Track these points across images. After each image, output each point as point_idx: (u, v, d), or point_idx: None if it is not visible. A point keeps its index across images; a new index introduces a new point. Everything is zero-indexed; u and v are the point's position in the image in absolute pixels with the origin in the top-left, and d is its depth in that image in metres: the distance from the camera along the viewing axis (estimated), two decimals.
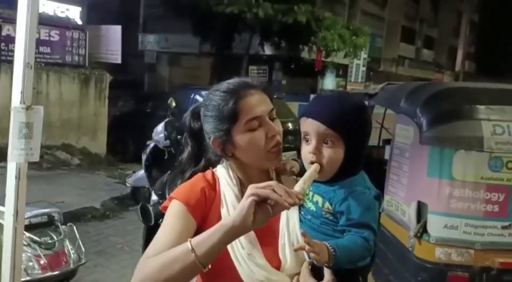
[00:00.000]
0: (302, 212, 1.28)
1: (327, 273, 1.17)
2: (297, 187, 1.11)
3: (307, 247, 1.08)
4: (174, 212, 1.22)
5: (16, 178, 1.64)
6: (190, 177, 1.36)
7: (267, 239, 1.23)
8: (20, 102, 1.64)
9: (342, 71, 19.10)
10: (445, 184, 2.66)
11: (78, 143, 8.72)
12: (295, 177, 1.35)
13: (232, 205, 1.25)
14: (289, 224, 1.26)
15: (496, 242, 2.62)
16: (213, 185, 1.30)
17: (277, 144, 1.26)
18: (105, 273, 4.48)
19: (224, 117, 1.25)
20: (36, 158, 1.70)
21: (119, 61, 9.06)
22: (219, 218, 1.22)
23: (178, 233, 1.17)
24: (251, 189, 1.05)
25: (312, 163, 1.24)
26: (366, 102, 4.68)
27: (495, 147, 2.63)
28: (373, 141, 4.33)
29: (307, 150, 1.24)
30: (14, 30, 7.85)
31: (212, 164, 1.39)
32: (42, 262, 2.69)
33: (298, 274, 1.20)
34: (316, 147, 1.23)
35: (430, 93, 2.95)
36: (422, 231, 2.73)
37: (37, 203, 5.92)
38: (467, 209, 2.64)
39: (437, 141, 2.74)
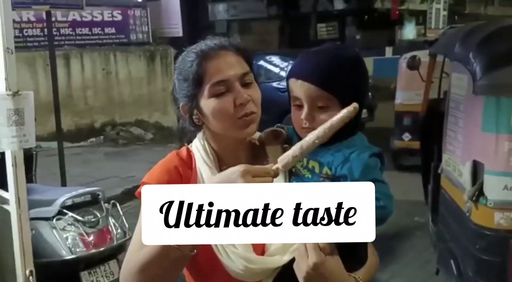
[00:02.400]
0: (294, 181, 1.14)
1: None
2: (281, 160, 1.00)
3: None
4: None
5: (12, 166, 1.64)
6: None
7: None
8: (6, 89, 1.61)
9: (422, 18, 17.73)
10: (503, 139, 2.30)
11: (150, 118, 9.02)
12: (280, 146, 1.20)
13: None
14: None
15: None
16: (189, 162, 1.18)
17: (248, 112, 1.11)
18: None
19: (189, 81, 1.12)
20: (32, 143, 1.69)
21: (180, 34, 9.11)
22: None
23: None
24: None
25: (306, 130, 1.08)
26: (427, 51, 4.23)
27: None
28: (432, 92, 3.91)
29: (299, 116, 1.10)
30: (80, 15, 8.20)
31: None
32: (86, 240, 2.77)
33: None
34: (309, 113, 1.08)
35: (485, 34, 2.53)
36: (479, 193, 2.40)
37: (109, 179, 6.29)
38: None
39: (493, 89, 2.36)
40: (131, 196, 5.63)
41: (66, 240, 2.74)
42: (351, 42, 16.16)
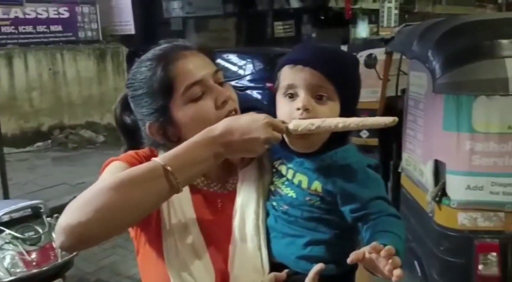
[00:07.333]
0: (274, 203, 0.99)
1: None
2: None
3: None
4: (111, 169, 0.97)
5: None
6: None
7: (216, 240, 0.98)
8: None
9: (374, 17, 18.05)
10: (464, 137, 2.25)
11: (102, 120, 8.64)
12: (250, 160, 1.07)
13: (179, 206, 0.97)
14: (245, 224, 0.98)
15: None
16: None
17: (231, 110, 0.99)
18: (124, 254, 4.37)
19: (155, 92, 0.97)
20: None
21: (132, 31, 8.79)
22: (157, 220, 0.98)
23: None
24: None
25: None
26: (383, 49, 4.20)
27: None
28: (391, 90, 3.89)
29: (292, 106, 0.96)
30: (22, 12, 7.74)
31: None
32: (26, 259, 2.53)
33: None
34: (307, 101, 0.94)
35: (443, 31, 2.48)
36: (441, 194, 2.35)
37: (57, 186, 5.94)
38: (493, 165, 2.23)
39: (453, 87, 2.31)
40: None
41: (3, 260, 2.49)
42: (307, 40, 16.26)
